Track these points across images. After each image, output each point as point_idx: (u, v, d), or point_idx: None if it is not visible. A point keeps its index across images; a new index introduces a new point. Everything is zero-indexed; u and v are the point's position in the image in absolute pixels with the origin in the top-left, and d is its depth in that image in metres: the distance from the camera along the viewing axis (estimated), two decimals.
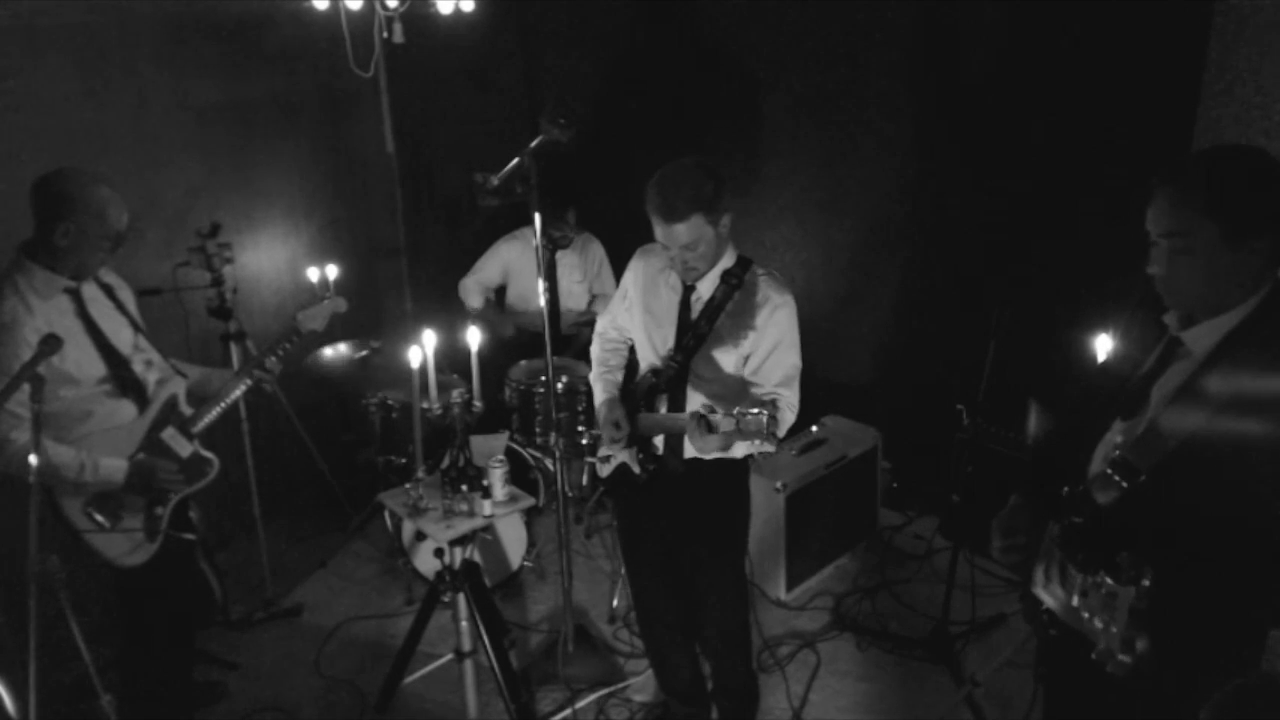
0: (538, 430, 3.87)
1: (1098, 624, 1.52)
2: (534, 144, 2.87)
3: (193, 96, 3.89)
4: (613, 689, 3.28)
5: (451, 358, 3.76)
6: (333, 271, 3.21)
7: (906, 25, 3.92)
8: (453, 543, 2.82)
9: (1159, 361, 1.70)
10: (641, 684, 3.31)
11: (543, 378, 3.71)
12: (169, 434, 2.68)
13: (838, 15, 4.05)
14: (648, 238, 2.53)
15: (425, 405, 2.87)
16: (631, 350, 2.80)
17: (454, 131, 4.98)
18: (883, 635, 3.54)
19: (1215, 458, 1.56)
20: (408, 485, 2.88)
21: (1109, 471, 1.65)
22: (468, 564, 2.90)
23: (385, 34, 3.72)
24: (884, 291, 4.32)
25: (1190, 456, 1.57)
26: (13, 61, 3.20)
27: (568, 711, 3.18)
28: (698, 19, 4.46)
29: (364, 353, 3.95)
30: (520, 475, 3.76)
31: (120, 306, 2.69)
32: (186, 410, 2.73)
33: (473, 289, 4.36)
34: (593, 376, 2.81)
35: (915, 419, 4.11)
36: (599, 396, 2.75)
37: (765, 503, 3.56)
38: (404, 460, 3.89)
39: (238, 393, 2.78)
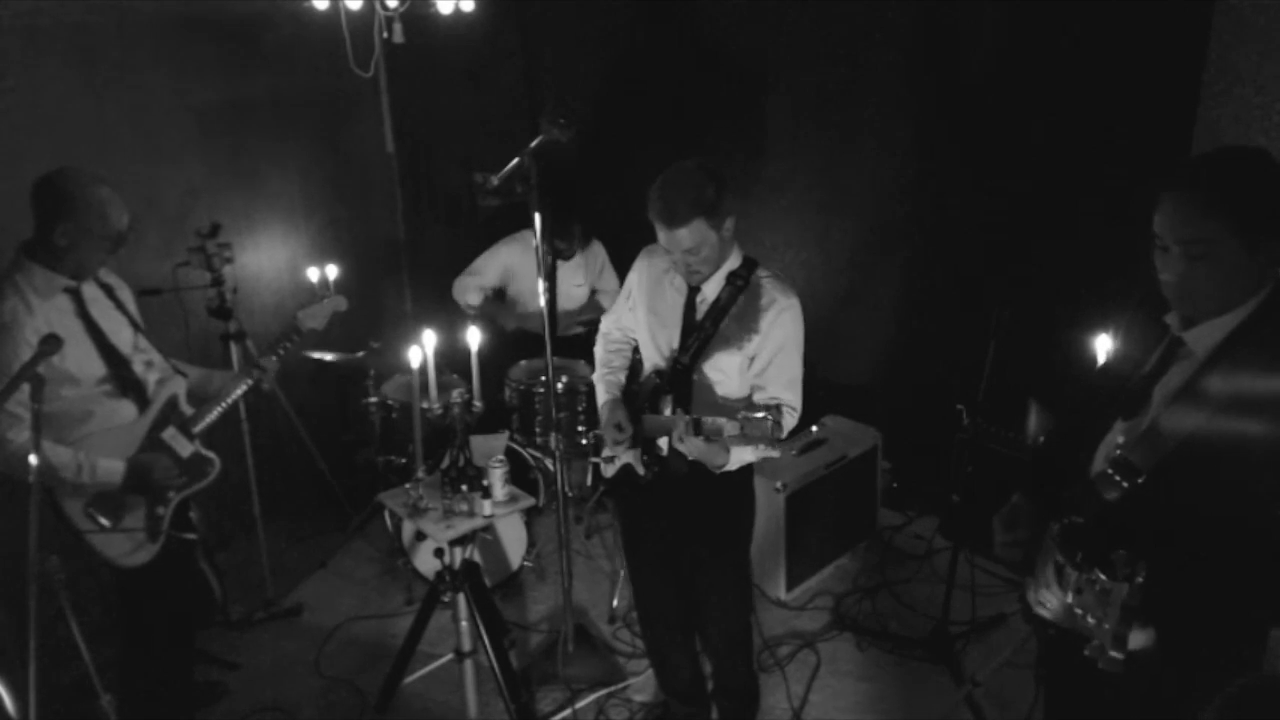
0: (538, 430, 3.88)
1: (1091, 621, 1.52)
2: (534, 144, 2.87)
3: (193, 96, 3.89)
4: (613, 689, 3.28)
5: (451, 358, 3.76)
6: (333, 271, 3.21)
7: (906, 25, 3.92)
8: (453, 543, 2.82)
9: (1161, 362, 1.70)
10: (641, 684, 3.31)
11: (543, 378, 3.71)
12: (170, 434, 2.68)
13: (838, 15, 4.05)
14: (648, 238, 2.52)
15: (425, 405, 2.87)
16: (635, 350, 2.80)
17: (454, 131, 4.98)
18: (883, 635, 3.54)
19: (1215, 458, 1.56)
20: (408, 485, 2.88)
21: (1109, 471, 1.65)
22: (468, 564, 2.90)
23: (385, 34, 3.72)
24: (884, 291, 4.32)
25: (1190, 456, 1.58)
26: (13, 61, 3.20)
27: (568, 711, 3.18)
28: (698, 19, 4.46)
29: (364, 353, 3.95)
30: (520, 475, 3.76)
31: (120, 306, 2.69)
32: (187, 410, 2.73)
33: (471, 288, 4.34)
34: (595, 377, 2.81)
35: (915, 419, 4.11)
36: (601, 397, 2.74)
37: (765, 503, 3.55)
38: (404, 460, 3.89)
39: (238, 393, 2.79)
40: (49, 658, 2.16)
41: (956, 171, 3.91)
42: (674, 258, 2.47)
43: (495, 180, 2.98)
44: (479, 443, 3.20)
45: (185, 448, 2.69)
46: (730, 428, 2.22)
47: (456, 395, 2.96)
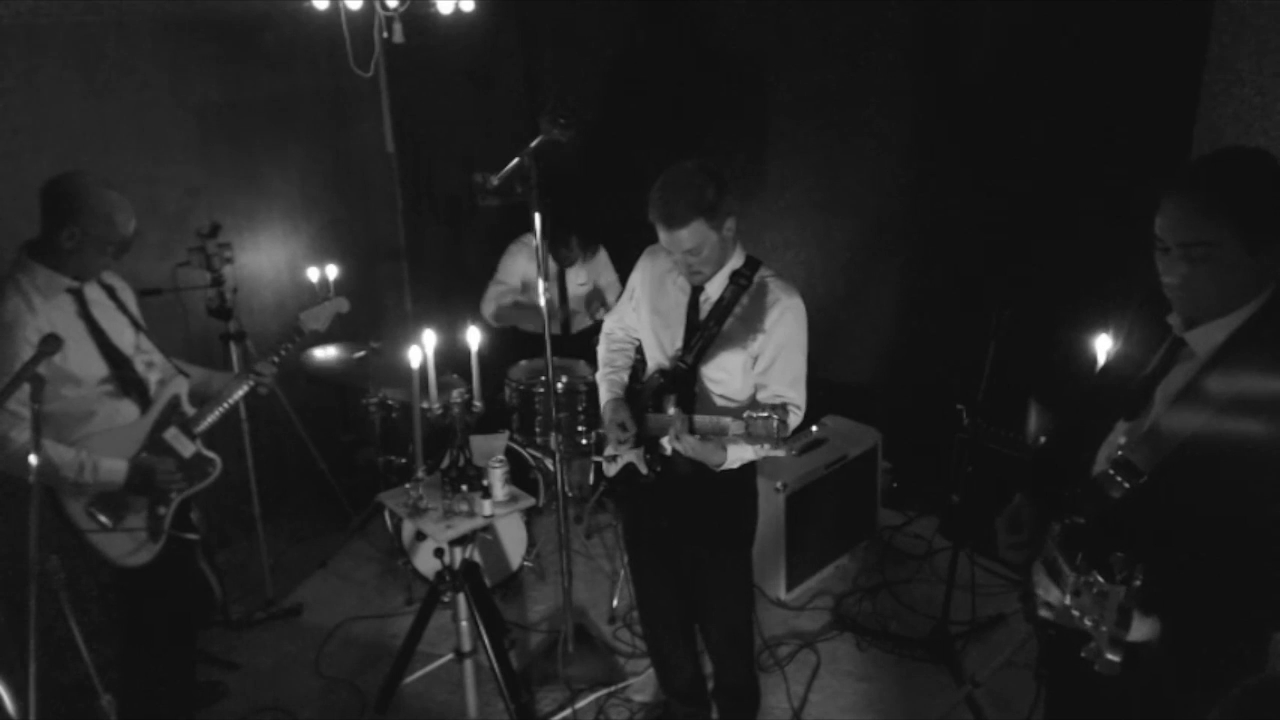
0: (538, 430, 3.87)
1: (1088, 623, 1.52)
2: (534, 144, 2.87)
3: (193, 96, 3.90)
4: (613, 689, 3.28)
5: (451, 358, 3.76)
6: (333, 271, 3.22)
7: (906, 25, 3.92)
8: (453, 543, 2.82)
9: (1162, 362, 1.70)
10: (642, 684, 3.31)
11: (543, 378, 3.71)
12: (172, 434, 2.68)
13: (838, 15, 4.05)
14: (649, 238, 2.52)
15: (425, 405, 2.87)
16: (638, 350, 2.80)
17: (454, 131, 4.98)
18: (883, 635, 3.54)
19: (1217, 458, 1.56)
20: (408, 485, 2.88)
21: (1111, 472, 1.65)
22: (468, 564, 2.90)
23: (385, 34, 3.72)
24: (884, 291, 4.32)
25: (1192, 457, 1.58)
26: (13, 61, 3.20)
27: (568, 711, 3.18)
28: (698, 19, 4.46)
29: (364, 353, 3.95)
30: (520, 475, 3.76)
31: (122, 307, 2.69)
32: (189, 410, 2.73)
33: (504, 295, 4.30)
34: (598, 376, 2.81)
35: (915, 419, 4.11)
36: (604, 396, 2.74)
37: (765, 503, 3.54)
38: (404, 460, 3.89)
39: (240, 393, 2.79)
40: (49, 658, 2.16)
41: (956, 171, 3.92)
42: (675, 258, 2.47)
43: (495, 180, 2.98)
44: (479, 443, 3.20)
45: (187, 448, 2.70)
46: (735, 427, 2.22)
47: (456, 395, 2.96)
